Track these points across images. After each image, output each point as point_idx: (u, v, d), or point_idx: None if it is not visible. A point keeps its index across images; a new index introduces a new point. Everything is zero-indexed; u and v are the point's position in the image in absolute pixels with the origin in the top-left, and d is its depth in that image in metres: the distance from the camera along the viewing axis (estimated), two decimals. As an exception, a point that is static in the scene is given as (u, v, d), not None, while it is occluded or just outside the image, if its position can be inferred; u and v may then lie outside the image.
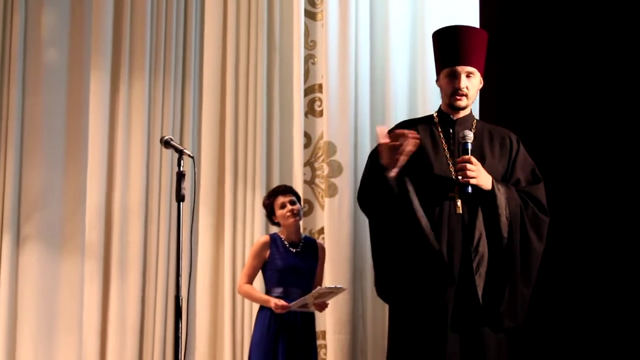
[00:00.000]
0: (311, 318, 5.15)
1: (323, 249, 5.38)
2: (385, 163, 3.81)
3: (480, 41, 4.10)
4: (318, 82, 6.10)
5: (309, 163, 6.08)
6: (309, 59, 6.13)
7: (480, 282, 3.85)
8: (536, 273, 4.00)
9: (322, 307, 5.08)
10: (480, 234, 3.89)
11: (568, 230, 5.02)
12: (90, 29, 6.44)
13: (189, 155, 4.07)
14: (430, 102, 5.78)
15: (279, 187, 5.36)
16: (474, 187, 3.88)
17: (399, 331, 4.00)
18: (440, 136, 4.06)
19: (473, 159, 3.88)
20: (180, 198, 4.00)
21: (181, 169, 4.02)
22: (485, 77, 4.20)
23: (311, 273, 5.20)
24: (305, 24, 6.10)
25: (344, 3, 5.97)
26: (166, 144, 4.21)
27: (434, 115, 4.15)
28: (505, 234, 3.89)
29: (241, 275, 5.30)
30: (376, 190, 3.88)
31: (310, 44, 6.14)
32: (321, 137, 6.01)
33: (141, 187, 6.30)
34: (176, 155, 4.13)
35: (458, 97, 4.02)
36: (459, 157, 3.93)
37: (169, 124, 6.37)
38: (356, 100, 5.93)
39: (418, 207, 3.84)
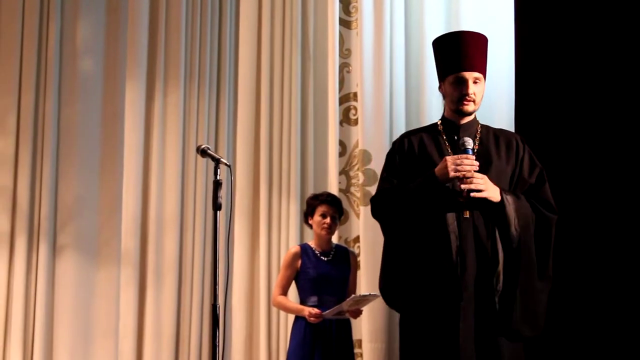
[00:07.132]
0: (347, 326, 5.13)
1: (355, 256, 5.36)
2: (446, 177, 3.84)
3: (483, 46, 4.09)
4: (353, 90, 6.08)
5: (344, 171, 6.06)
6: (344, 67, 6.11)
7: (497, 292, 3.86)
8: (550, 278, 3.98)
9: (357, 314, 5.06)
10: (494, 243, 3.89)
11: (593, 232, 5.00)
12: (125, 38, 6.48)
13: (226, 164, 4.06)
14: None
15: (329, 195, 5.28)
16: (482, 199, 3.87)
17: (410, 342, 3.99)
18: (445, 143, 4.07)
19: (477, 175, 3.85)
20: (217, 207, 3.99)
21: (218, 178, 4.02)
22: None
23: (344, 281, 5.18)
24: (340, 32, 6.08)
25: (378, 11, 5.95)
26: (203, 152, 4.20)
27: (438, 123, 4.16)
28: (514, 244, 3.88)
29: (274, 287, 5.29)
30: (422, 197, 3.90)
31: (345, 53, 6.12)
32: (356, 146, 5.99)
33: (176, 195, 6.31)
34: (212, 164, 4.13)
35: (466, 102, 4.02)
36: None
37: (204, 133, 6.39)
38: (391, 109, 5.90)
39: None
